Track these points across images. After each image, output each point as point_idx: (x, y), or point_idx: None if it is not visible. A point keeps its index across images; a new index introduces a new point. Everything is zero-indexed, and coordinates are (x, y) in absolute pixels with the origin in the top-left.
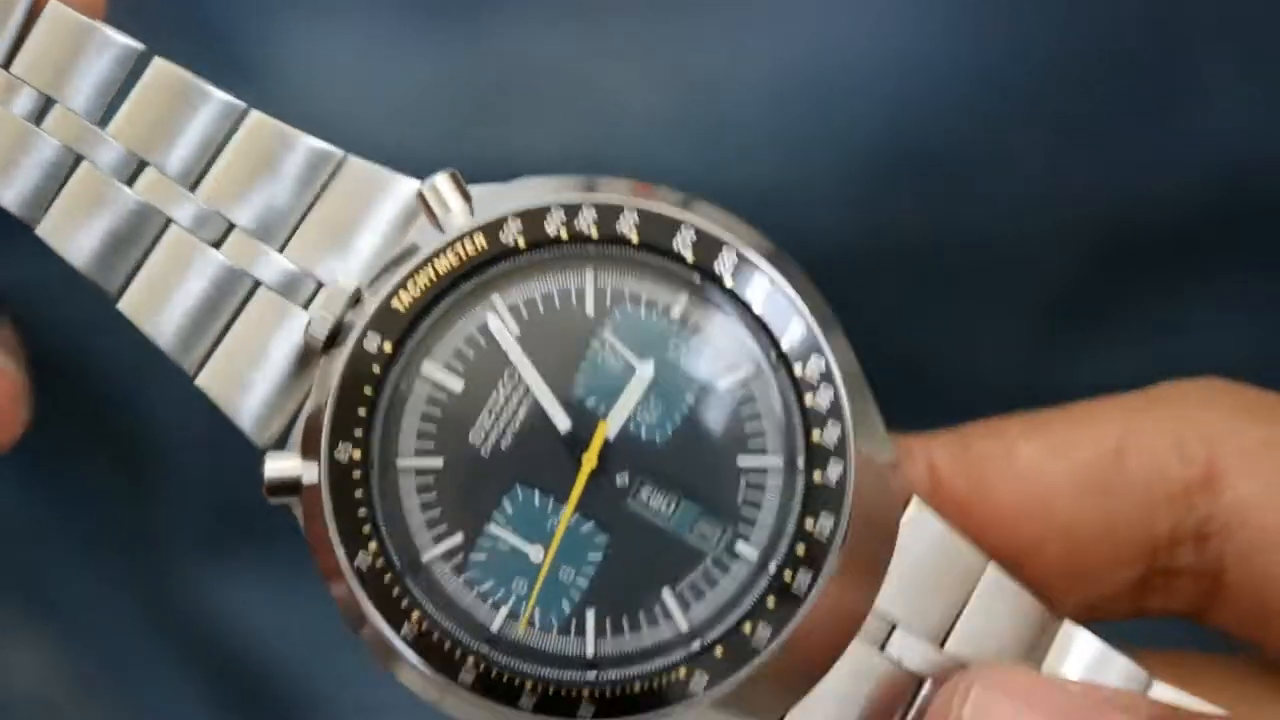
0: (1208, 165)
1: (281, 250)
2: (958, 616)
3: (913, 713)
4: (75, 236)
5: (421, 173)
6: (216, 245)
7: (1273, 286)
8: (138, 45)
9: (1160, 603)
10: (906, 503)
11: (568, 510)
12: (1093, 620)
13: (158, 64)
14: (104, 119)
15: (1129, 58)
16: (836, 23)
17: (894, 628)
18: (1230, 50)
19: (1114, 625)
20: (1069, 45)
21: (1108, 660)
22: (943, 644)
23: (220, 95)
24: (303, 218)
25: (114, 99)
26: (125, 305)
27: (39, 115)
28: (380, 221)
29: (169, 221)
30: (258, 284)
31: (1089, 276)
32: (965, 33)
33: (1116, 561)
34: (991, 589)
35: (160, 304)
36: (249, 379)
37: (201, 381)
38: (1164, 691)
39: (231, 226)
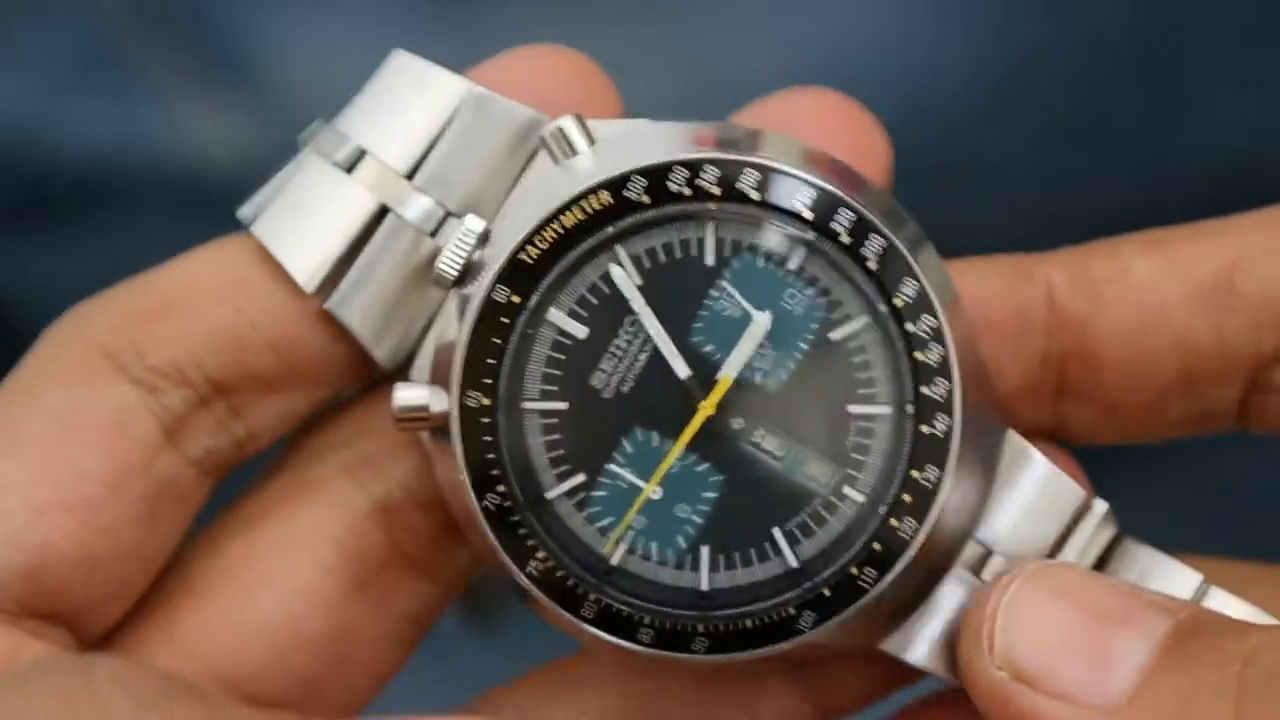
0: (1208, 165)
1: (410, 178)
2: (1058, 546)
3: None
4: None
5: None
6: (349, 170)
7: None
8: None
9: (1263, 423)
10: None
11: (676, 446)
12: (1202, 432)
13: None
14: None
15: (1129, 57)
16: (838, 21)
17: (990, 553)
18: (1230, 50)
19: (1183, 537)
20: (1070, 45)
21: (1168, 569)
22: None
23: None
24: (431, 146)
25: None
26: (259, 229)
27: None
28: (500, 153)
29: (300, 145)
30: (386, 210)
31: None
32: (966, 32)
33: (1226, 376)
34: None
35: (293, 227)
36: (375, 301)
37: (330, 305)
38: (1221, 599)
39: (363, 153)
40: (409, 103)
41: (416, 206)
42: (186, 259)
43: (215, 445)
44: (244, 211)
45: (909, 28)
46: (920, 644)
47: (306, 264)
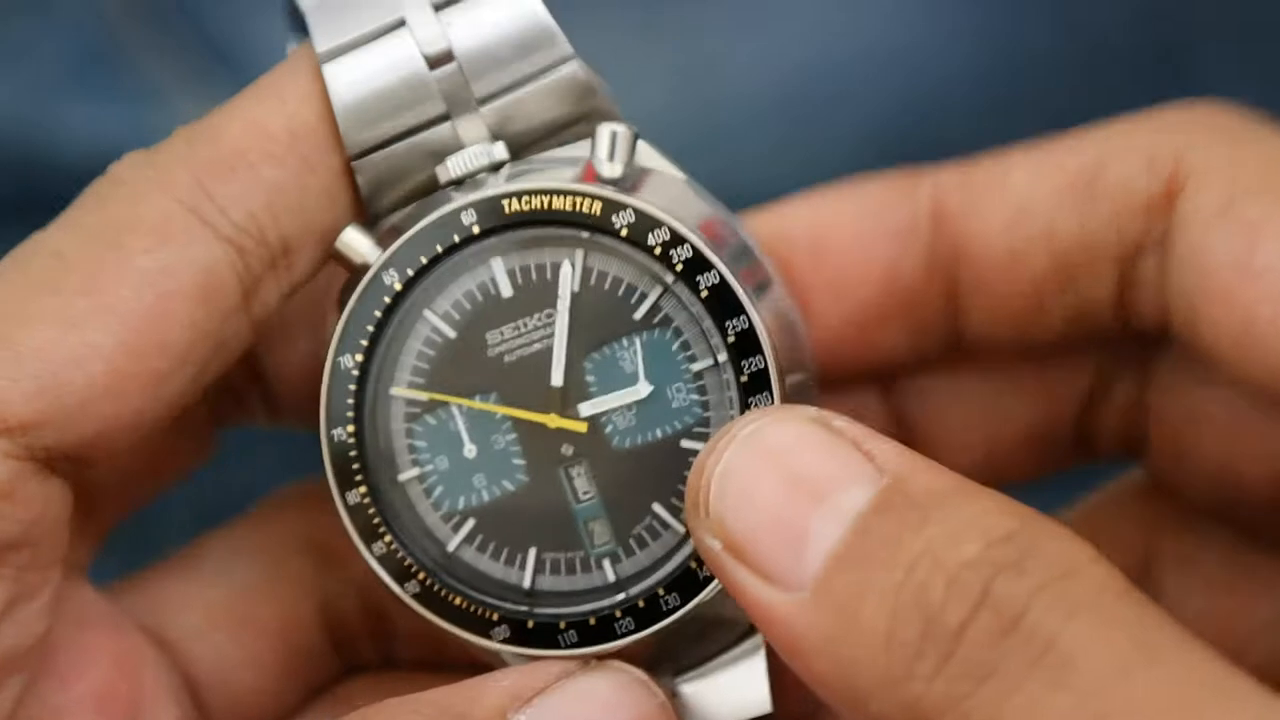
0: None
1: (481, 105)
2: None
3: None
4: None
5: None
6: (432, 67)
7: None
8: None
9: (1140, 321)
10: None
11: (502, 408)
12: (1088, 335)
13: None
14: None
15: (1129, 56)
16: (837, 21)
17: None
18: (1230, 50)
19: None
20: (1069, 44)
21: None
22: None
23: None
24: (512, 86)
25: None
26: (332, 77)
27: None
28: (558, 117)
29: (402, 22)
30: (446, 115)
31: None
32: (965, 32)
33: (1094, 269)
34: None
35: (362, 95)
36: (395, 181)
37: (359, 165)
38: None
39: (451, 57)
40: (516, 42)
41: (473, 127)
42: (248, 101)
43: (271, 302)
44: (324, 47)
45: (905, 28)
46: None
47: (360, 136)
